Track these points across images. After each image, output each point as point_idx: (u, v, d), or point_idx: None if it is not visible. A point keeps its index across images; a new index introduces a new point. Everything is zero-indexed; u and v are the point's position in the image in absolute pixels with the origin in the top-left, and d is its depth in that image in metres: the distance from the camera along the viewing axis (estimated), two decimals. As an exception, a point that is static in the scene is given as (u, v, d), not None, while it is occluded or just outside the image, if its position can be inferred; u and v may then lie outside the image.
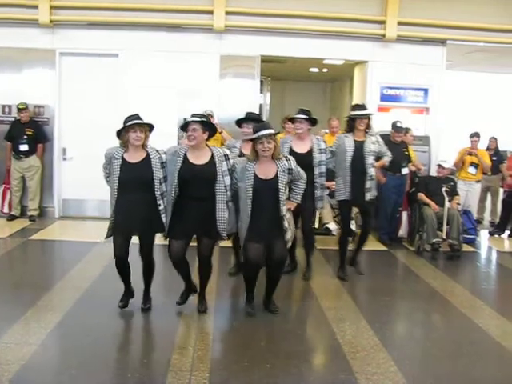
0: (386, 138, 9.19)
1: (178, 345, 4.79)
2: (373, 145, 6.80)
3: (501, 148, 11.26)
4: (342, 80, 14.27)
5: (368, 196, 6.82)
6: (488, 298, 6.57)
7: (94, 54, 9.90)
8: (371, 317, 5.67)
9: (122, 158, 5.26)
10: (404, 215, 9.17)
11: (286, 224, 5.40)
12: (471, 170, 9.68)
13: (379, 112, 10.30)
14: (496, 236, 10.21)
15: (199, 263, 5.54)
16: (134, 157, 5.29)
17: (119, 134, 5.31)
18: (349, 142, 6.75)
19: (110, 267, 7.10)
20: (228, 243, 6.61)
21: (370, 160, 6.75)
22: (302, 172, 5.63)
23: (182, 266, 5.49)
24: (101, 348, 4.74)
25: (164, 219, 5.34)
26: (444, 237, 8.37)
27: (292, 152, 6.41)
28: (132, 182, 5.24)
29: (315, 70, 13.57)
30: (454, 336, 5.40)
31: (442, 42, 10.20)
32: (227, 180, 5.32)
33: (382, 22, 9.96)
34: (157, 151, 5.37)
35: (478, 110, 15.46)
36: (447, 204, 8.43)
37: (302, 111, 6.66)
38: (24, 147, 9.59)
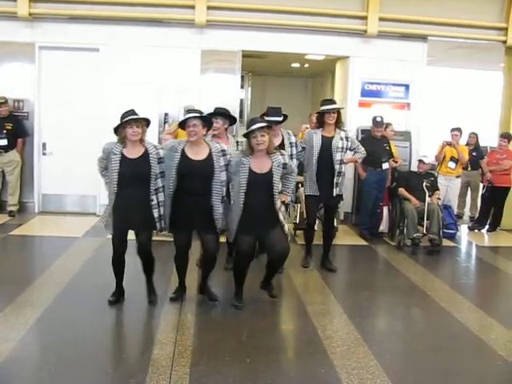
0: (367, 133, 9.28)
1: (159, 340, 4.78)
2: (341, 141, 6.86)
3: (481, 144, 11.34)
4: (324, 75, 14.30)
5: (335, 192, 6.91)
6: (467, 292, 6.63)
7: (74, 48, 9.79)
8: (352, 311, 5.69)
9: (121, 154, 5.26)
10: (385, 210, 9.21)
11: (281, 217, 5.46)
12: (451, 164, 9.76)
13: (360, 107, 10.36)
14: (476, 231, 10.31)
15: (205, 258, 5.59)
16: (133, 152, 5.30)
17: (116, 130, 5.32)
18: (316, 138, 6.83)
19: (91, 262, 7.12)
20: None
21: (337, 156, 6.81)
22: (293, 166, 5.72)
23: (184, 260, 5.58)
24: (81, 343, 4.70)
25: (156, 214, 5.37)
26: (424, 232, 8.43)
27: None
28: (131, 177, 5.26)
29: (297, 65, 13.58)
30: (433, 330, 5.44)
31: (423, 37, 10.25)
32: (223, 176, 5.38)
33: (364, 18, 9.97)
34: (154, 146, 5.42)
35: (459, 106, 15.55)
36: (428, 199, 8.48)
37: (275, 113, 6.64)
38: (3, 142, 9.47)
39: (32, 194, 10.02)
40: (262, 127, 5.27)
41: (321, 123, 6.92)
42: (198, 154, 5.34)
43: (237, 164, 5.36)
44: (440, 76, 13.28)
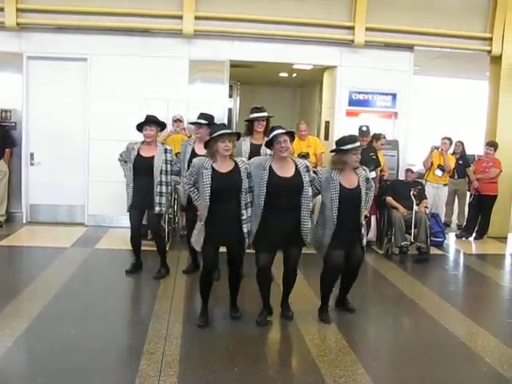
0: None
1: (147, 350, 4.77)
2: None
3: (468, 152, 11.45)
4: (312, 84, 14.35)
5: None
6: (455, 301, 6.68)
7: (62, 58, 9.77)
8: (339, 320, 5.73)
9: (213, 168, 5.23)
10: (372, 219, 9.24)
11: (363, 230, 5.64)
12: (438, 172, 9.84)
13: (348, 116, 10.40)
14: (463, 239, 10.36)
15: (287, 272, 5.63)
16: (224, 167, 5.28)
17: (206, 144, 5.33)
18: (245, 146, 6.94)
19: (79, 273, 7.08)
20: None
21: None
22: (372, 182, 5.87)
23: (267, 279, 5.55)
24: (68, 355, 4.69)
25: (245, 230, 5.32)
26: (412, 240, 8.48)
27: (194, 154, 6.63)
28: (223, 191, 5.22)
29: (285, 74, 13.63)
30: (421, 338, 5.48)
31: (410, 47, 10.33)
32: (310, 191, 5.39)
33: (351, 28, 10.03)
34: (243, 161, 5.42)
35: (445, 114, 15.69)
36: (415, 207, 8.53)
37: (202, 116, 6.91)
38: (-10, 152, 9.46)
39: (20, 204, 9.97)
40: (358, 147, 5.53)
41: (250, 131, 7.04)
42: (285, 171, 5.35)
43: (327, 180, 5.47)
44: (427, 85, 13.41)
